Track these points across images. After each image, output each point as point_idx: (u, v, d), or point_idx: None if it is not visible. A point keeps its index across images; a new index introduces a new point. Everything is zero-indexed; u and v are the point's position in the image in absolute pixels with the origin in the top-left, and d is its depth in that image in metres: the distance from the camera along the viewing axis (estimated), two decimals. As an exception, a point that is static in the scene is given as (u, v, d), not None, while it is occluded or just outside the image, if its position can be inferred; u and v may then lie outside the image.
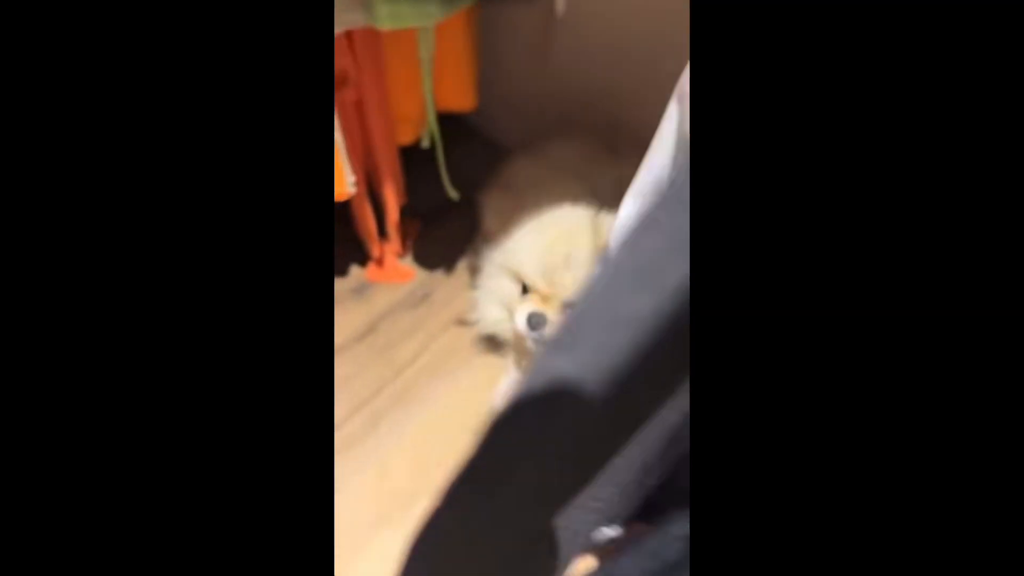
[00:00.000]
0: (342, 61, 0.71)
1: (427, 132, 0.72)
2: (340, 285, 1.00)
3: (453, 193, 0.77)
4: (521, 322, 0.70)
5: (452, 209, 1.04)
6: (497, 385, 0.86)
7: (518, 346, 0.81)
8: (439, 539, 0.48)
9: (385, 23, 0.56)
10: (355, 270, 1.02)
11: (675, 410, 0.45)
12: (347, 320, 0.96)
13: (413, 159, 0.92)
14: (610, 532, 0.59)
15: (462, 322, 0.95)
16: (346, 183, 0.72)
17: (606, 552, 0.65)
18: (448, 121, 0.84)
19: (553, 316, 0.69)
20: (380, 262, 0.99)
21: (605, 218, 0.69)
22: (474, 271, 0.95)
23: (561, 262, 0.68)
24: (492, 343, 0.90)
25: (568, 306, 0.70)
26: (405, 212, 0.96)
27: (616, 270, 0.41)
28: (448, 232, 1.05)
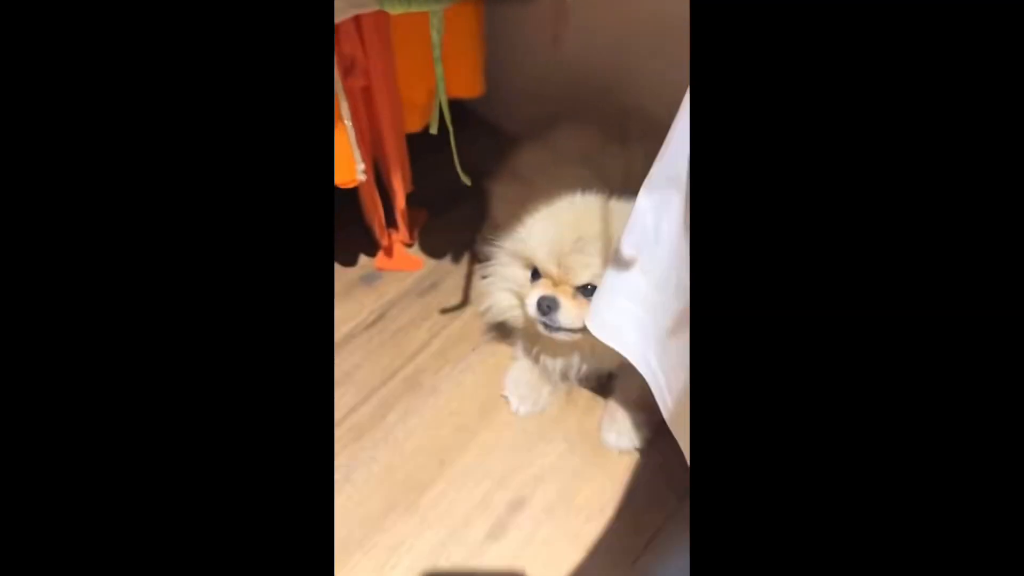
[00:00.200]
0: (350, 47, 0.70)
1: (434, 118, 0.71)
2: (349, 274, 1.00)
3: (466, 179, 0.76)
4: (532, 307, 0.70)
5: (459, 198, 1.03)
6: (506, 372, 0.86)
7: (528, 332, 0.81)
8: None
9: (396, 7, 0.56)
10: (364, 259, 1.02)
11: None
12: (356, 308, 0.96)
13: (418, 148, 0.91)
14: None
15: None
16: (356, 169, 0.72)
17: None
18: (455, 109, 0.83)
19: (564, 301, 0.69)
20: (388, 251, 0.98)
21: (616, 205, 0.69)
22: (481, 259, 0.95)
23: (572, 246, 0.68)
24: (501, 331, 0.90)
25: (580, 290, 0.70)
26: (412, 201, 0.95)
27: None
28: (455, 221, 1.05)
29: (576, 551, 0.72)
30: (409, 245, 1.02)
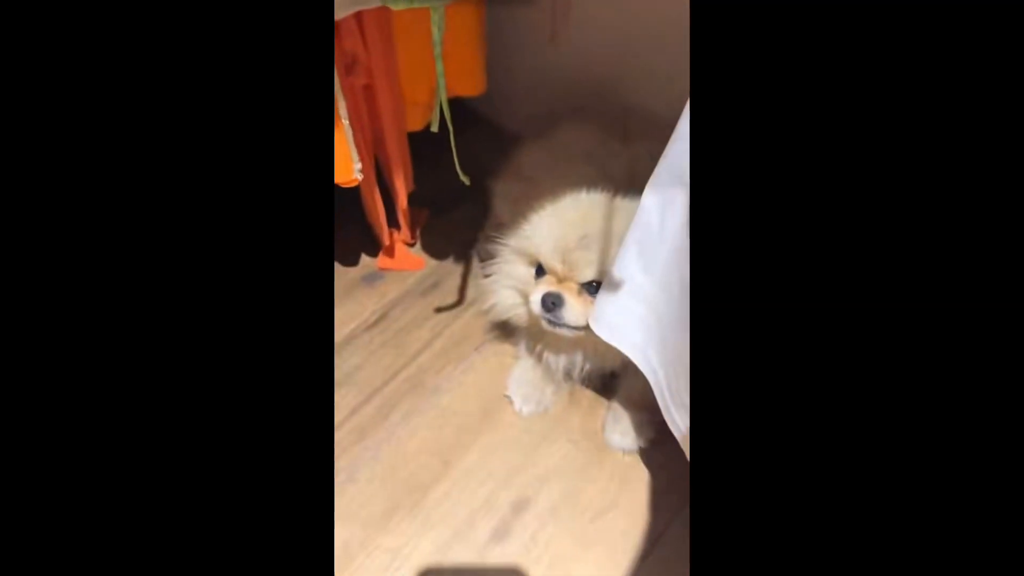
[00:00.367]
0: (352, 44, 0.70)
1: (435, 116, 0.71)
2: (351, 274, 1.00)
3: (465, 178, 0.76)
4: (536, 303, 0.69)
5: (461, 197, 1.03)
6: (509, 372, 0.86)
7: (532, 330, 0.81)
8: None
9: (398, 3, 0.55)
10: (365, 258, 1.01)
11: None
12: (358, 308, 0.95)
13: (419, 147, 0.90)
14: None
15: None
16: (352, 169, 0.71)
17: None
18: (456, 108, 0.83)
19: (569, 297, 0.69)
20: (390, 250, 0.98)
21: (621, 203, 0.68)
22: (483, 258, 0.94)
23: (577, 243, 0.67)
24: (503, 330, 0.90)
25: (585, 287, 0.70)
26: (413, 200, 0.95)
27: None
28: (457, 220, 1.04)
29: (581, 551, 0.72)
30: (411, 244, 1.02)
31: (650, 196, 0.54)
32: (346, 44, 0.70)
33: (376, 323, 0.94)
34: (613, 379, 0.83)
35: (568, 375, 0.80)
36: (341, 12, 0.60)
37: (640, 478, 0.78)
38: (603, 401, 0.84)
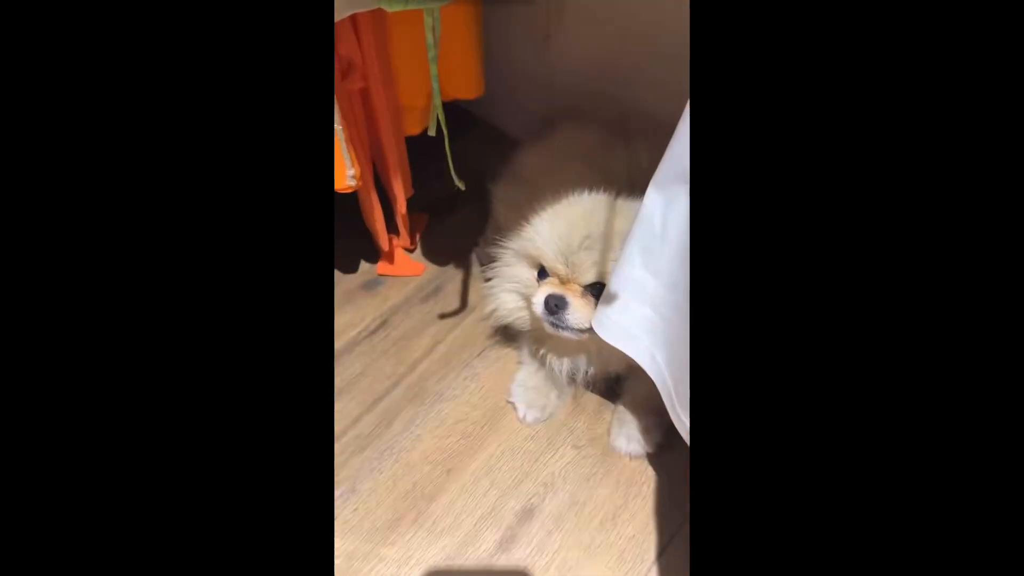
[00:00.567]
0: (347, 49, 0.69)
1: (433, 120, 0.70)
2: (351, 280, 0.99)
3: (460, 183, 0.75)
4: (539, 305, 0.68)
5: (460, 201, 1.02)
6: (512, 378, 0.85)
7: (535, 334, 0.80)
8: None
9: (394, 4, 0.54)
10: (365, 265, 1.00)
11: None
12: (359, 315, 0.94)
13: (418, 152, 0.90)
14: None
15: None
16: (346, 176, 0.70)
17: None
18: (454, 112, 0.82)
19: (572, 299, 0.68)
20: (390, 256, 0.97)
21: (623, 203, 0.67)
22: (484, 262, 0.93)
23: (580, 244, 0.66)
24: (505, 335, 0.89)
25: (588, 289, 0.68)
26: (412, 205, 0.94)
27: None
28: (457, 224, 1.03)
29: (588, 559, 0.70)
30: (411, 250, 1.01)
31: (653, 195, 0.53)
32: (341, 49, 0.69)
33: (376, 330, 0.93)
34: (618, 383, 0.82)
35: (572, 379, 0.79)
36: (337, 15, 0.59)
37: (647, 483, 0.77)
38: (608, 405, 0.83)
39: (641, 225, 0.54)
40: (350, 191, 0.73)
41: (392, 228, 0.96)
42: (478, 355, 0.89)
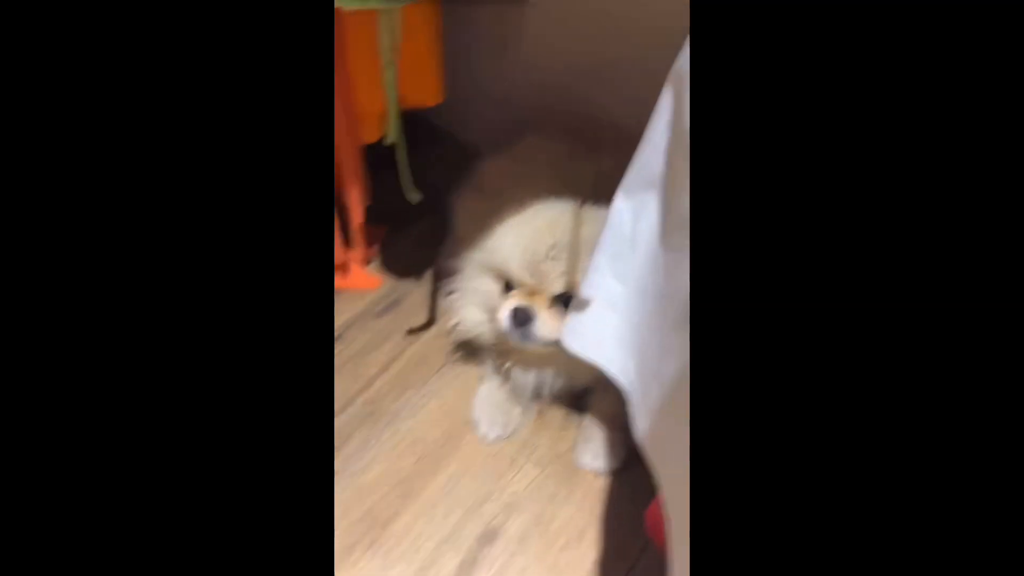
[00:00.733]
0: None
1: (391, 128, 0.67)
2: (301, 294, 0.94)
3: (413, 195, 0.72)
4: (505, 319, 0.66)
5: (419, 214, 0.99)
6: (473, 395, 0.82)
7: (499, 348, 0.77)
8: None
9: (350, 1, 0.52)
10: (317, 278, 0.96)
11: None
12: (310, 331, 0.89)
13: (375, 162, 0.87)
14: None
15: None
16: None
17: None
18: (415, 122, 0.80)
19: (540, 311, 0.65)
20: (345, 269, 0.93)
21: (589, 211, 0.66)
22: (444, 276, 0.91)
23: (546, 254, 0.65)
24: (467, 351, 0.86)
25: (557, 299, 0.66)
26: (369, 217, 0.91)
27: None
28: (416, 237, 1.01)
29: (554, 584, 0.67)
30: (367, 263, 0.97)
31: (622, 201, 0.51)
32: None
33: (330, 346, 0.88)
34: (584, 397, 0.80)
35: (538, 394, 0.77)
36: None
37: (613, 501, 0.74)
38: (573, 421, 0.81)
39: (610, 232, 0.52)
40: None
41: (346, 239, 0.92)
42: (437, 372, 0.86)
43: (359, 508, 0.72)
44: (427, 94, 0.79)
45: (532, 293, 0.67)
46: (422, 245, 0.99)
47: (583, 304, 0.57)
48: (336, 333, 0.90)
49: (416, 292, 0.95)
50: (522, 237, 0.66)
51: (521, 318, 0.65)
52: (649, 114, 0.47)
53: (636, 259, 0.52)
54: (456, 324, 0.76)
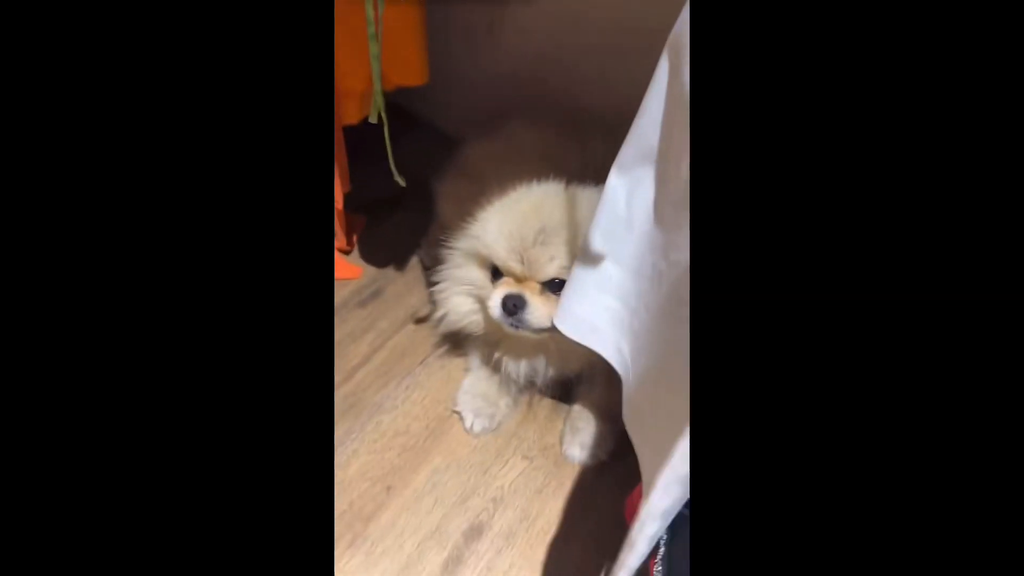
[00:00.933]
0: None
1: (375, 106, 0.65)
2: (278, 283, 0.91)
3: (400, 179, 0.70)
4: (496, 307, 0.64)
5: (400, 202, 0.97)
6: (458, 387, 0.79)
7: (489, 337, 0.74)
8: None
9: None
10: (295, 267, 0.93)
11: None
12: (287, 321, 0.86)
13: (354, 151, 0.84)
14: None
15: (418, 320, 0.87)
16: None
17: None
18: (395, 111, 0.77)
19: (531, 298, 0.63)
20: (323, 257, 0.90)
21: (578, 192, 0.64)
22: (428, 264, 0.88)
23: (534, 239, 0.62)
24: (451, 341, 0.83)
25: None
26: (349, 206, 0.88)
27: None
28: (397, 225, 0.98)
29: (542, 578, 0.65)
30: (347, 252, 0.94)
31: (616, 178, 0.49)
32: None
33: (308, 337, 0.85)
34: (573, 386, 0.78)
35: (531, 381, 0.75)
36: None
37: (602, 494, 0.73)
38: (560, 413, 0.79)
39: (604, 209, 0.51)
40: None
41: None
42: (420, 363, 0.84)
43: (341, 503, 0.70)
44: (411, 73, 0.77)
45: (522, 280, 0.65)
46: (404, 234, 0.96)
47: (575, 286, 0.55)
48: (315, 323, 0.87)
49: (399, 281, 0.93)
50: (507, 223, 0.64)
51: (512, 306, 0.63)
52: (635, 101, 0.46)
53: (631, 238, 0.50)
54: (444, 314, 0.74)
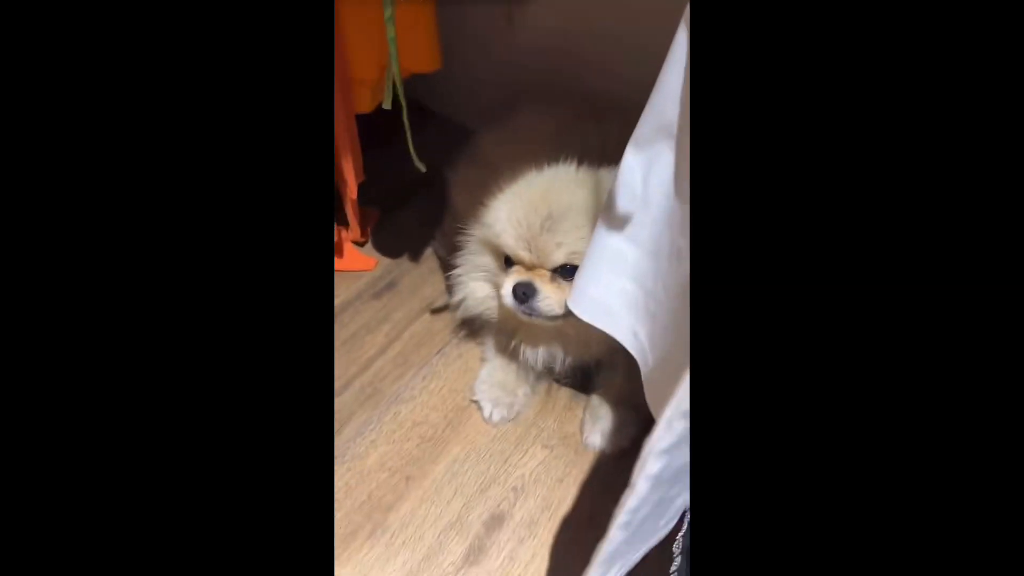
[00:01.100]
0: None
1: (388, 92, 0.64)
2: (294, 276, 0.91)
3: (420, 164, 0.69)
4: (508, 295, 0.63)
5: (413, 193, 0.96)
6: (476, 376, 0.79)
7: (506, 324, 0.74)
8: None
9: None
10: (311, 260, 0.93)
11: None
12: (304, 314, 0.86)
13: (366, 143, 0.83)
14: None
15: (435, 311, 0.87)
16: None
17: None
18: (408, 104, 0.76)
19: (542, 285, 0.62)
20: (339, 250, 0.90)
21: (587, 174, 0.63)
22: (443, 254, 0.88)
23: (541, 226, 0.62)
24: (468, 330, 0.83)
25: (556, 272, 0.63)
26: (362, 199, 0.87)
27: None
28: (411, 216, 0.98)
29: (565, 567, 0.65)
30: (361, 244, 0.94)
31: (632, 155, 0.48)
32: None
33: (325, 330, 0.85)
34: (592, 374, 0.77)
35: (549, 369, 0.74)
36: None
37: (624, 482, 0.71)
38: (579, 401, 0.78)
39: (620, 188, 0.49)
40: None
41: (341, 220, 0.89)
42: (438, 352, 0.83)
43: (360, 493, 0.69)
44: (425, 59, 0.76)
45: (532, 267, 0.64)
46: (417, 225, 0.96)
47: (589, 268, 0.54)
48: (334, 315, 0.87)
49: (414, 272, 0.92)
50: (515, 211, 0.63)
51: (522, 294, 0.62)
52: (647, 93, 0.45)
53: (648, 218, 0.49)
54: (462, 300, 0.73)
